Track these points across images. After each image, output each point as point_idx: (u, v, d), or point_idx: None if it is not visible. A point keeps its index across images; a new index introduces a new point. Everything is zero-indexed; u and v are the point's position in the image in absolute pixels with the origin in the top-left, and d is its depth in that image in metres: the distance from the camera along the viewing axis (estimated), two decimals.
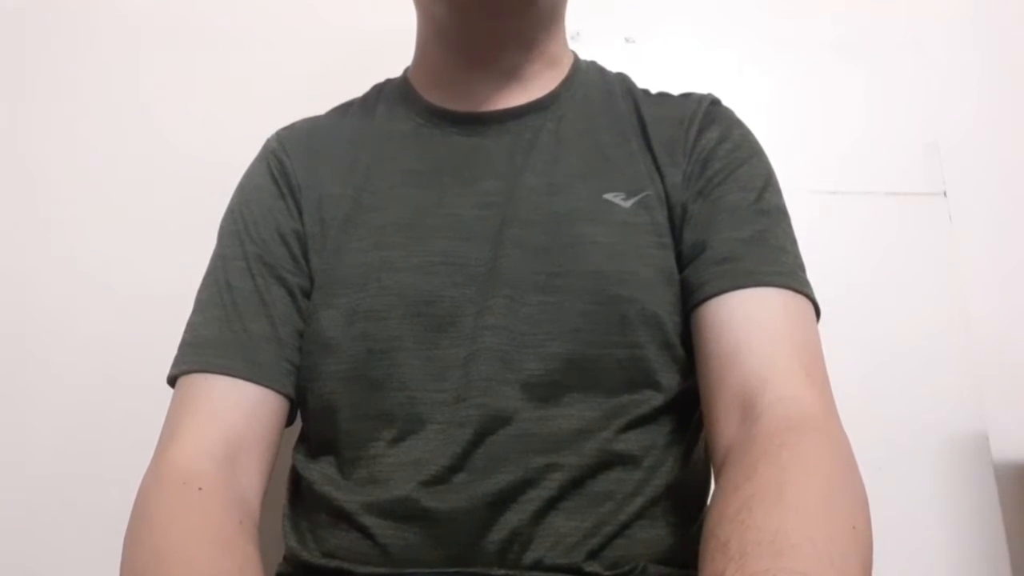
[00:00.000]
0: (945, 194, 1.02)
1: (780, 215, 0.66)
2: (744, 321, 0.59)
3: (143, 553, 0.53)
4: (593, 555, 0.56)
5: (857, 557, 0.45)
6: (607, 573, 0.55)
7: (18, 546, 0.88)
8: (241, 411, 0.61)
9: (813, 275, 0.64)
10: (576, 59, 0.77)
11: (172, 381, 0.64)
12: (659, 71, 1.04)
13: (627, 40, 1.07)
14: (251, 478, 0.61)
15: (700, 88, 0.77)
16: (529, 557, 0.55)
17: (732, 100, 0.74)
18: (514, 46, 0.71)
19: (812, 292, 0.62)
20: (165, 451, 0.59)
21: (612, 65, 0.79)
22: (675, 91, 0.76)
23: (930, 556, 0.90)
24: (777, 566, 0.42)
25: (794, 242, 0.65)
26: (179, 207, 0.98)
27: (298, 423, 0.69)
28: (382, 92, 0.77)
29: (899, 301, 0.97)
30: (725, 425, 0.56)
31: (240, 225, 0.69)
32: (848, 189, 1.02)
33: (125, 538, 0.55)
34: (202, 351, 0.63)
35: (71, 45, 1.05)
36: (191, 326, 0.66)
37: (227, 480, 0.58)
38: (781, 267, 0.61)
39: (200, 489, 0.56)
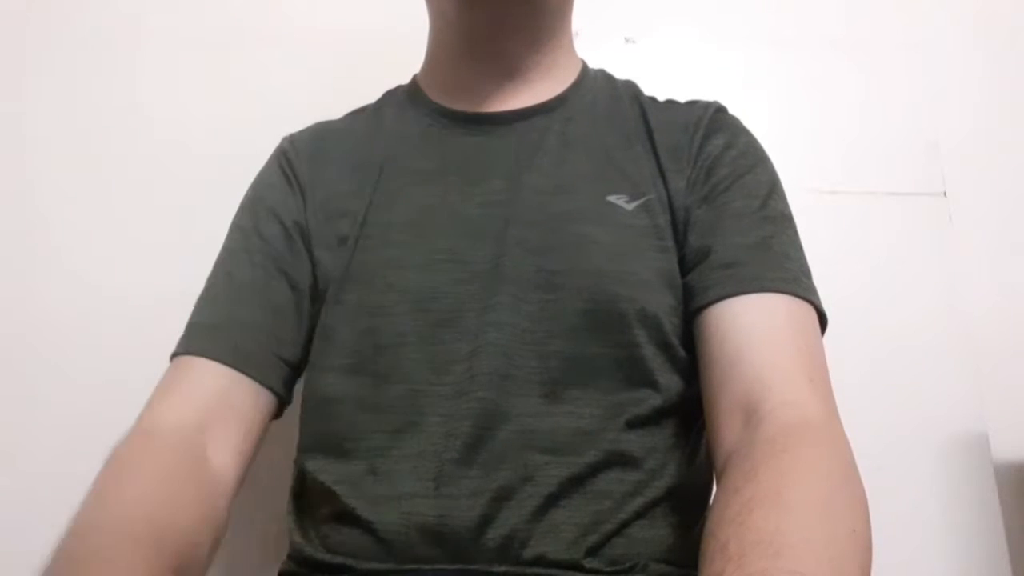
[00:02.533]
0: (945, 194, 1.02)
1: (785, 222, 0.66)
2: (748, 326, 0.59)
3: (91, 493, 0.58)
4: (593, 552, 0.56)
5: (856, 560, 0.45)
6: (608, 569, 0.56)
7: (19, 546, 0.88)
8: (215, 392, 0.63)
9: (813, 275, 0.64)
10: (585, 66, 0.78)
11: None
12: (659, 71, 1.04)
13: (627, 40, 1.08)
14: (222, 452, 0.62)
15: (700, 88, 0.77)
16: (530, 553, 0.55)
17: (732, 100, 0.75)
18: (519, 40, 0.71)
19: (817, 298, 0.63)
20: (139, 419, 0.63)
21: (612, 65, 0.79)
22: (676, 91, 0.76)
23: (930, 556, 0.90)
24: (775, 567, 0.42)
25: (799, 248, 0.65)
26: (181, 207, 0.98)
27: (291, 419, 0.69)
28: (392, 97, 0.79)
29: (899, 301, 0.98)
30: (727, 429, 0.57)
31: (248, 220, 0.71)
32: (848, 189, 1.02)
33: None
34: (191, 335, 0.66)
35: (72, 44, 1.05)
36: (191, 313, 0.68)
37: (190, 439, 0.60)
38: (785, 273, 0.62)
39: (159, 443, 0.60)
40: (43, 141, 1.02)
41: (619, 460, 0.59)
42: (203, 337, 0.65)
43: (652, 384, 0.61)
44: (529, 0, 0.69)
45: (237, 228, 0.72)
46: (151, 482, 0.57)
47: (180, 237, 0.96)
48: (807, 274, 0.64)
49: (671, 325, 0.63)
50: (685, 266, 0.65)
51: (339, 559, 0.58)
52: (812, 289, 0.63)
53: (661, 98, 0.76)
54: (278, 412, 0.68)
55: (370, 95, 0.81)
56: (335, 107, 0.81)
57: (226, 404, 0.63)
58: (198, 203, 0.95)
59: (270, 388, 0.66)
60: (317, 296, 0.68)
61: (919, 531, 0.90)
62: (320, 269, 0.68)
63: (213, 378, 0.63)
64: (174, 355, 0.66)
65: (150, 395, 0.65)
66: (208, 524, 0.58)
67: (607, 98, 0.74)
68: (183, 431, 0.60)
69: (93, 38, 1.06)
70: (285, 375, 0.67)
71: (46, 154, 1.01)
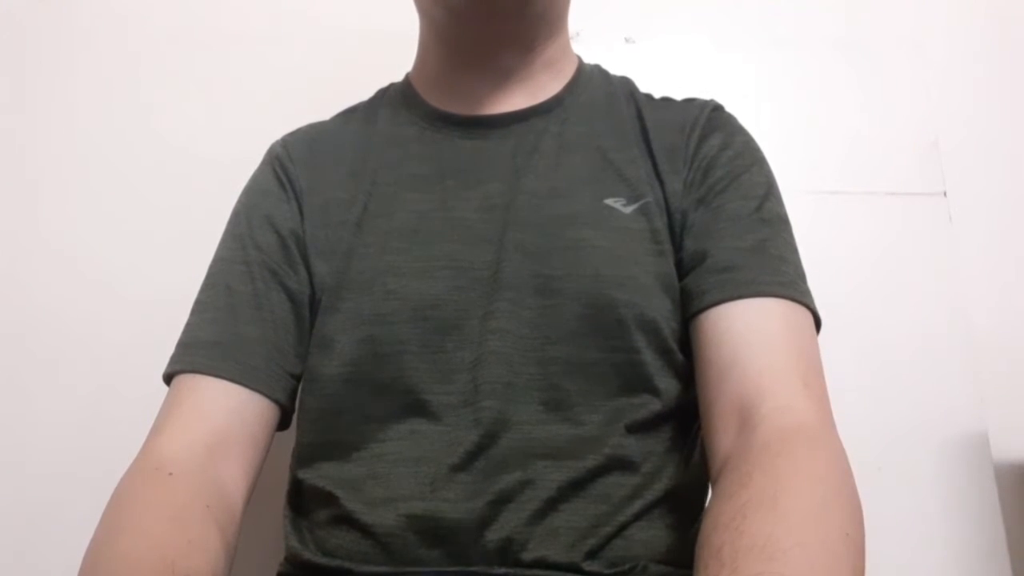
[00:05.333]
0: (945, 194, 1.02)
1: (781, 224, 0.66)
2: (744, 331, 0.59)
3: (102, 528, 0.55)
4: (592, 555, 0.56)
5: (849, 563, 0.45)
6: (607, 572, 0.56)
7: (18, 546, 0.88)
8: (226, 411, 0.62)
9: (812, 276, 0.64)
10: (581, 63, 0.77)
11: (167, 380, 0.65)
12: (659, 71, 1.04)
13: (627, 40, 1.07)
14: (233, 472, 0.61)
15: (700, 88, 0.77)
16: (529, 556, 0.55)
17: (732, 100, 0.74)
18: (513, 47, 0.71)
19: (812, 302, 0.62)
20: (147, 444, 0.61)
21: (612, 65, 0.79)
22: (675, 92, 0.76)
23: (930, 556, 0.90)
24: (768, 571, 0.42)
25: (795, 251, 0.65)
26: (179, 208, 0.99)
27: (292, 428, 0.69)
28: (385, 96, 0.78)
29: (899, 301, 0.97)
30: (723, 434, 0.57)
31: (244, 229, 0.69)
32: (848, 189, 1.02)
33: None
34: (194, 352, 0.64)
35: (71, 46, 1.05)
36: (188, 327, 0.67)
37: (202, 468, 0.59)
38: (782, 277, 0.61)
39: (170, 474, 0.57)
40: (43, 142, 1.02)
41: (618, 464, 0.59)
42: (208, 355, 0.63)
43: (651, 389, 0.61)
44: (521, 12, 0.68)
45: (232, 237, 0.70)
46: (166, 524, 0.54)
47: (178, 237, 0.96)
48: (803, 277, 0.64)
49: (669, 329, 0.63)
50: (682, 269, 0.65)
51: (336, 562, 0.58)
52: (807, 292, 0.63)
53: (657, 95, 0.75)
54: (282, 423, 0.67)
55: (365, 92, 0.80)
56: (333, 103, 0.81)
57: (237, 423, 0.62)
58: (196, 203, 0.95)
59: (277, 402, 0.65)
60: (315, 305, 0.67)
61: (919, 531, 0.90)
62: (317, 278, 0.67)
63: (223, 397, 0.62)
64: (176, 372, 0.64)
65: (157, 416, 0.63)
66: (225, 555, 0.56)
67: (603, 96, 0.74)
68: (195, 459, 0.59)
69: (92, 39, 1.06)
70: (291, 387, 0.66)
71: (46, 155, 1.01)
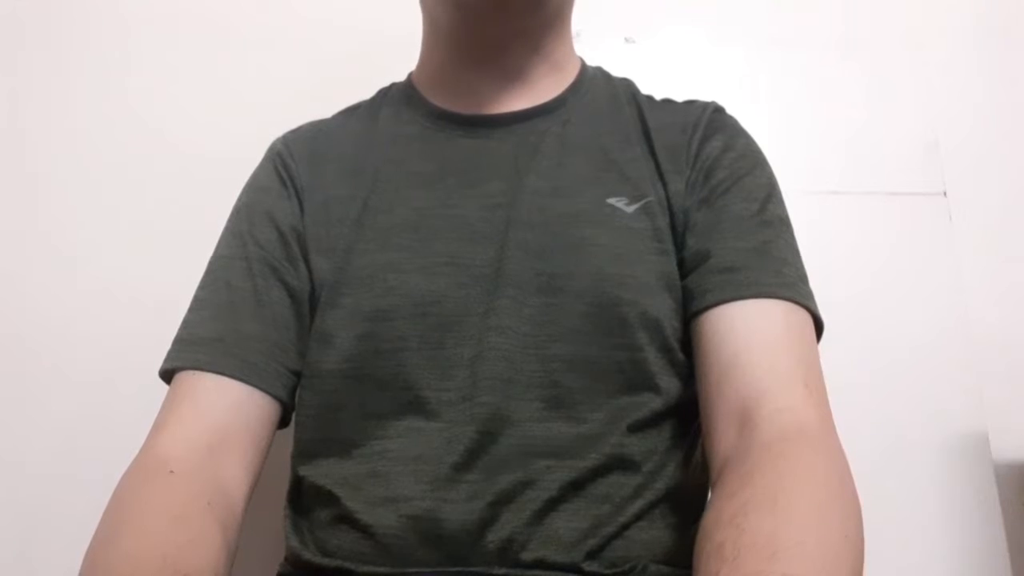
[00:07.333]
0: (945, 194, 1.02)
1: (783, 226, 0.66)
2: (745, 332, 0.59)
3: (103, 527, 0.55)
4: (592, 555, 0.56)
5: (848, 564, 0.46)
6: (607, 572, 0.56)
7: (18, 546, 0.88)
8: (226, 407, 0.62)
9: (812, 276, 0.65)
10: (583, 65, 0.77)
11: (165, 376, 0.65)
12: (659, 71, 1.05)
13: (627, 40, 1.08)
14: (234, 469, 0.61)
15: (700, 88, 0.77)
16: (529, 556, 0.55)
17: (732, 100, 0.75)
18: (519, 47, 0.71)
19: (813, 304, 0.62)
20: (148, 442, 0.61)
21: (612, 65, 0.79)
22: (675, 91, 0.76)
23: (930, 556, 0.90)
24: (770, 569, 0.43)
25: (796, 253, 0.65)
26: (179, 207, 0.99)
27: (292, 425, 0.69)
28: (387, 96, 0.78)
29: (899, 302, 0.98)
30: (723, 434, 0.57)
31: (244, 225, 0.70)
32: (848, 189, 1.02)
33: None
34: (195, 349, 0.64)
35: (71, 45, 1.05)
36: (187, 323, 0.67)
37: (202, 466, 0.59)
38: (783, 279, 0.62)
39: (171, 472, 0.57)
40: (42, 139, 1.02)
41: (619, 464, 0.59)
42: (209, 351, 0.63)
43: (653, 388, 0.61)
44: (532, 11, 0.68)
45: (232, 233, 0.70)
46: (167, 523, 0.54)
47: (179, 234, 0.96)
48: (804, 279, 0.64)
49: (671, 328, 0.63)
50: (684, 269, 0.65)
51: (336, 563, 0.58)
52: (809, 295, 0.63)
53: (659, 97, 0.75)
54: (283, 420, 0.67)
55: (366, 92, 0.80)
56: (335, 103, 0.81)
57: (238, 420, 0.62)
58: (197, 201, 0.95)
59: (278, 399, 0.65)
60: (314, 302, 0.67)
61: (919, 531, 0.90)
62: (316, 274, 0.67)
63: (224, 394, 0.62)
64: (176, 369, 0.63)
65: (158, 414, 0.63)
66: (226, 553, 0.56)
67: (605, 98, 0.74)
68: (196, 457, 0.59)
69: (91, 35, 1.06)
70: (291, 384, 0.66)
71: (44, 154, 1.01)
